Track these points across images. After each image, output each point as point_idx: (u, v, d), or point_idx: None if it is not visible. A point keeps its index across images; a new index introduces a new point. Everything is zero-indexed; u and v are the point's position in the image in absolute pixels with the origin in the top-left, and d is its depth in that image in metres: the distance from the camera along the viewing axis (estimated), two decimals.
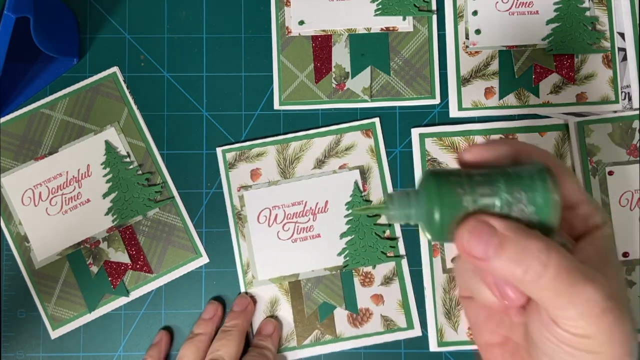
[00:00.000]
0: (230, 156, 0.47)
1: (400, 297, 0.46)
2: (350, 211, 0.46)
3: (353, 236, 0.46)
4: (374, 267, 0.46)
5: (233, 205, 0.47)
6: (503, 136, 0.47)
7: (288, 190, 0.47)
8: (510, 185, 0.25)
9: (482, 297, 0.28)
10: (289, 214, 0.46)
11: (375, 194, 0.47)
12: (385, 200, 0.26)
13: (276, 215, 0.46)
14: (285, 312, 0.46)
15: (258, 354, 0.43)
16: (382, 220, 0.46)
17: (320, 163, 0.47)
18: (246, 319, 0.44)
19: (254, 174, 0.47)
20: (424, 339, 0.46)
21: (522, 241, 0.24)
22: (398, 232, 0.46)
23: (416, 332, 0.46)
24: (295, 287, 0.46)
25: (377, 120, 0.47)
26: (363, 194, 0.46)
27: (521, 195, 0.25)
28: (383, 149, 0.47)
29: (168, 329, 0.46)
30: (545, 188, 0.25)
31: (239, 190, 0.47)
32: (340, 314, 0.46)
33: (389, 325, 0.46)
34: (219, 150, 0.47)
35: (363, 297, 0.46)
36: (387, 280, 0.46)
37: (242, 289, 0.46)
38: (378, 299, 0.46)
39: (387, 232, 0.46)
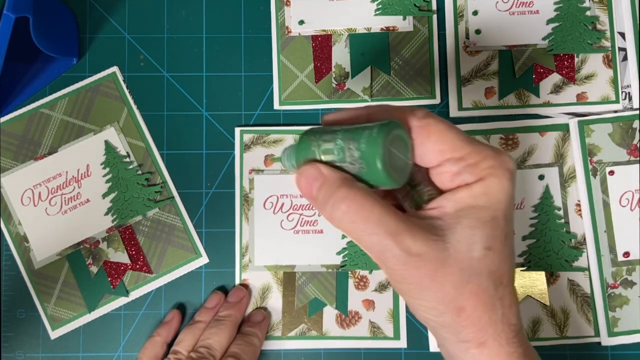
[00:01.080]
0: (247, 138, 0.47)
1: (391, 307, 0.46)
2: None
3: None
4: (370, 272, 0.46)
5: (242, 187, 0.47)
6: (504, 136, 0.47)
7: None
8: (346, 134, 0.28)
9: None
10: (295, 204, 0.46)
11: None
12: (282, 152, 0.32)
13: (283, 204, 0.46)
14: (275, 301, 0.46)
15: (244, 341, 0.43)
16: None
17: None
18: (240, 311, 0.45)
19: (268, 159, 0.47)
20: (424, 339, 0.46)
21: (335, 182, 0.28)
22: None
23: (401, 343, 0.46)
24: (289, 278, 0.46)
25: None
26: None
27: (351, 144, 0.28)
28: None
29: (180, 309, 0.46)
30: (369, 138, 0.27)
31: (250, 173, 0.47)
32: (329, 313, 0.46)
33: (375, 332, 0.46)
34: (237, 129, 0.47)
35: (355, 299, 0.46)
36: (381, 287, 0.46)
37: (237, 271, 0.46)
38: (369, 304, 0.46)
39: None
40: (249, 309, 0.46)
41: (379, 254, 0.28)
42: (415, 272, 0.27)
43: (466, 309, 0.28)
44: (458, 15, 0.48)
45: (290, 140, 0.47)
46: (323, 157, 0.29)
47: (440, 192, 0.30)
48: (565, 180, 0.47)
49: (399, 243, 0.27)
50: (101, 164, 0.47)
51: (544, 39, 0.47)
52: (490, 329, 0.28)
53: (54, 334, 0.46)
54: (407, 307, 0.46)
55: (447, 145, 0.29)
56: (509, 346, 0.28)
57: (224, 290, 0.47)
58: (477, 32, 0.48)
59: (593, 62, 0.47)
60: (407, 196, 0.30)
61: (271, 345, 0.46)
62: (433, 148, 0.29)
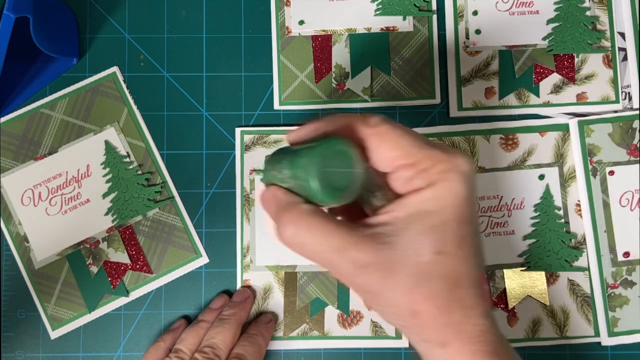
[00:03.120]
0: (248, 138, 0.47)
1: None
2: None
3: None
4: None
5: (242, 187, 0.47)
6: (504, 136, 0.47)
7: None
8: (291, 162, 0.29)
9: None
10: None
11: None
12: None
13: None
14: (277, 301, 0.46)
15: (248, 342, 0.43)
16: None
17: None
18: (244, 310, 0.45)
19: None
20: None
21: (282, 206, 0.29)
22: None
23: (403, 342, 0.46)
24: (290, 278, 0.46)
25: None
26: None
27: (297, 172, 0.29)
28: None
29: (186, 318, 0.46)
30: (303, 166, 0.29)
31: (250, 174, 0.47)
32: (331, 313, 0.46)
33: (377, 331, 0.46)
34: (238, 130, 0.47)
35: (356, 299, 0.46)
36: None
37: (239, 272, 0.46)
38: None
39: None
40: (252, 310, 0.46)
41: (332, 269, 0.29)
42: (367, 281, 0.28)
43: (422, 313, 0.29)
44: (458, 15, 0.48)
45: None
46: (281, 184, 0.30)
47: (398, 197, 0.30)
48: (565, 180, 0.47)
49: (345, 257, 0.28)
50: (101, 164, 0.47)
51: (544, 39, 0.47)
52: (449, 330, 0.29)
53: (54, 334, 0.46)
54: None
55: (400, 151, 0.30)
56: (473, 345, 0.29)
57: (229, 294, 0.47)
58: (477, 32, 0.48)
59: (593, 62, 0.47)
60: (366, 201, 0.31)
61: (273, 345, 0.46)
62: (386, 155, 0.30)
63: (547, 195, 0.46)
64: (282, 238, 0.29)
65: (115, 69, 0.48)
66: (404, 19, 0.48)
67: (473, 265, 0.29)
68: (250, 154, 0.47)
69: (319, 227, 0.28)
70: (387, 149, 0.30)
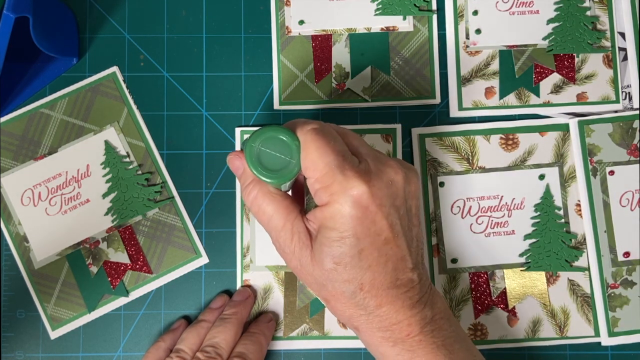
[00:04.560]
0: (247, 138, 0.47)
1: None
2: None
3: None
4: None
5: None
6: (504, 136, 0.47)
7: None
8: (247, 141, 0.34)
9: None
10: None
11: None
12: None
13: None
14: (277, 301, 0.46)
15: (250, 340, 0.43)
16: None
17: None
18: (245, 309, 0.45)
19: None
20: None
21: (249, 176, 0.35)
22: None
23: None
24: (290, 278, 0.46)
25: (399, 127, 0.47)
26: None
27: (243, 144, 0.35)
28: (400, 157, 0.47)
29: (186, 319, 0.46)
30: (247, 140, 0.34)
31: None
32: (331, 313, 0.46)
33: None
34: (237, 130, 0.47)
35: None
36: None
37: (239, 272, 0.46)
38: None
39: None
40: (252, 310, 0.46)
41: (274, 235, 0.35)
42: (290, 265, 0.35)
43: (330, 302, 0.35)
44: (458, 15, 0.48)
45: None
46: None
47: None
48: (566, 180, 0.47)
49: (280, 238, 0.35)
50: (101, 164, 0.47)
51: (544, 39, 0.47)
52: (357, 321, 0.34)
53: (53, 334, 0.46)
54: None
55: (309, 162, 0.32)
56: (380, 332, 0.34)
57: (229, 294, 0.46)
58: (478, 31, 0.48)
59: (593, 62, 0.47)
60: (307, 201, 0.35)
61: (273, 345, 0.46)
62: (305, 164, 0.32)
63: (547, 195, 0.46)
64: (245, 197, 0.35)
65: (115, 68, 0.48)
66: (404, 18, 0.48)
67: (379, 271, 0.33)
68: None
69: (273, 200, 0.35)
70: (307, 159, 0.32)
